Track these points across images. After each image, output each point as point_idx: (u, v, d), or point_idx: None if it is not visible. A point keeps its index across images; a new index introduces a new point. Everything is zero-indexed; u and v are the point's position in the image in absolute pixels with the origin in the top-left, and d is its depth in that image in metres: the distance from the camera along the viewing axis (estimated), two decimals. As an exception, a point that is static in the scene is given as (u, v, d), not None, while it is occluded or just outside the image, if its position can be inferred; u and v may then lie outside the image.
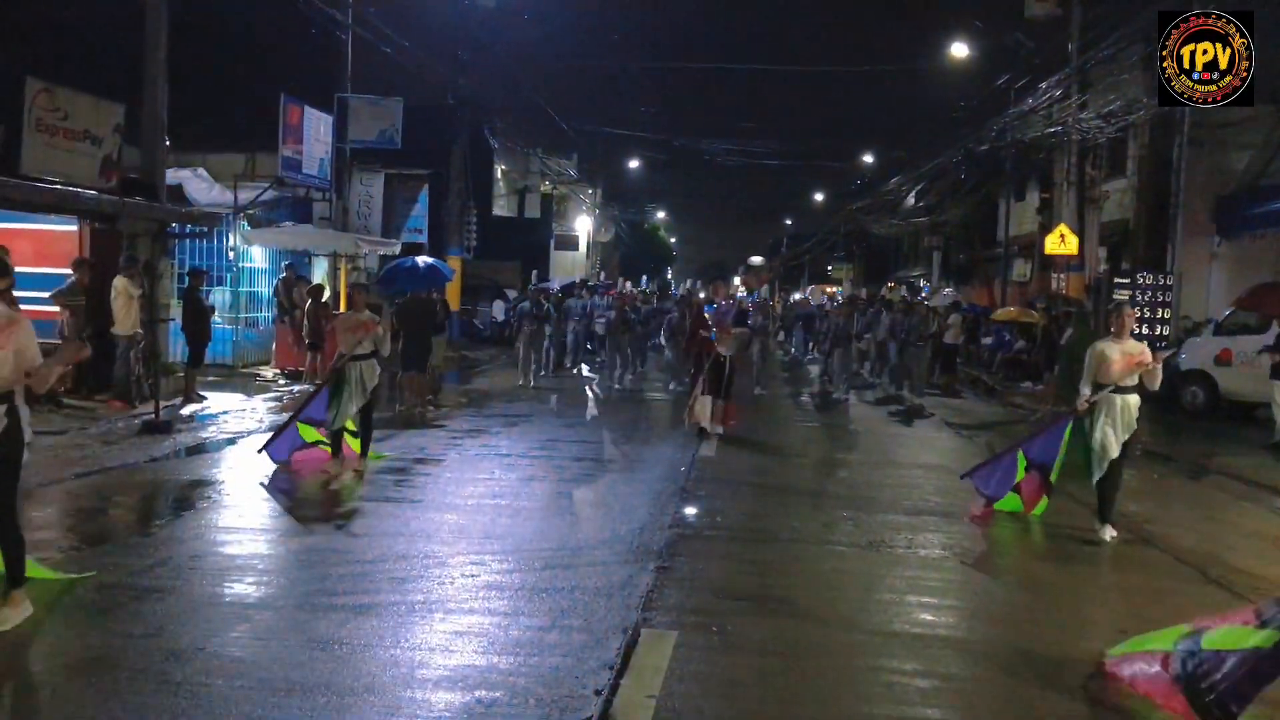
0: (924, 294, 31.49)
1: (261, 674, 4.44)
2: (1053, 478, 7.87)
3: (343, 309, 16.61)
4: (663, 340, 21.17)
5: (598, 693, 4.33)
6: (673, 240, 79.69)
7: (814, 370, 21.97)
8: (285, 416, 10.84)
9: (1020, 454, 7.98)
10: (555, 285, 24.22)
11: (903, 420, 14.75)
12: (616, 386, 17.77)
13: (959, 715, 4.39)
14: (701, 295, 17.24)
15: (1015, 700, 4.64)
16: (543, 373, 18.15)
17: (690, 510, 8.12)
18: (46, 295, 12.48)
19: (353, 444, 9.27)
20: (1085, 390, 7.54)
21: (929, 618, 5.69)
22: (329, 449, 9.11)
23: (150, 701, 4.13)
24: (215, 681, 4.36)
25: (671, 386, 17.41)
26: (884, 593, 6.10)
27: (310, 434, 9.21)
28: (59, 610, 5.29)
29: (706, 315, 12.16)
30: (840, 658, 5.03)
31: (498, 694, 4.30)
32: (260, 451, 9.18)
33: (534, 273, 20.70)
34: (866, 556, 6.97)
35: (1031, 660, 5.11)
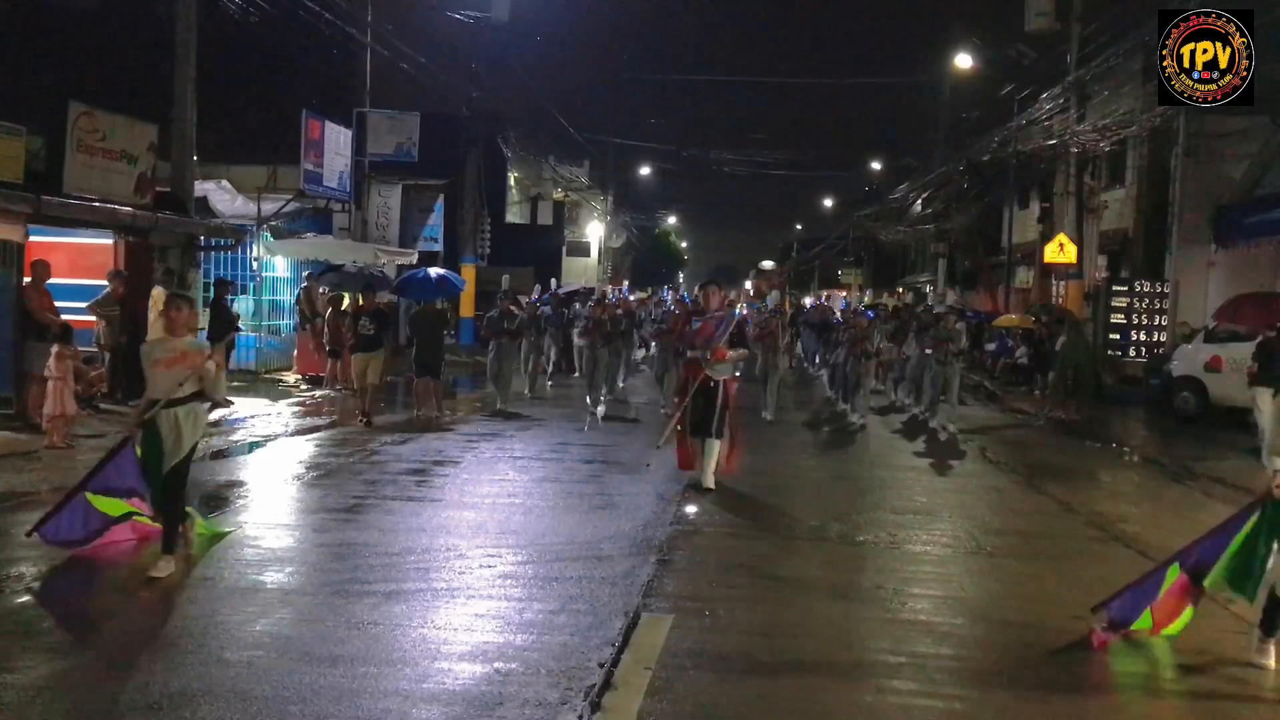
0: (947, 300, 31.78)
1: (306, 649, 5.05)
2: (1208, 581, 5.52)
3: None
4: (639, 357, 20.34)
5: (601, 665, 4.92)
6: (684, 245, 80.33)
7: (827, 385, 21.32)
8: (320, 420, 10.75)
9: (1175, 565, 5.67)
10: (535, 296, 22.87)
11: (903, 426, 15.25)
12: (593, 411, 14.91)
13: (919, 686, 4.95)
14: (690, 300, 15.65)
15: (974, 670, 5.20)
16: (526, 391, 16.95)
17: (691, 509, 8.69)
18: (84, 305, 13.20)
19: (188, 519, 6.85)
20: (1275, 462, 5.14)
21: (902, 603, 6.25)
22: (145, 520, 6.82)
23: (209, 671, 4.73)
24: (267, 655, 4.97)
25: (663, 412, 14.37)
26: (864, 581, 6.67)
27: (115, 507, 6.68)
28: (123, 595, 6.00)
29: (694, 328, 9.50)
30: (819, 637, 5.61)
31: (514, 665, 4.90)
32: (30, 534, 6.55)
33: (505, 277, 18.78)
34: (852, 549, 7.55)
35: (994, 639, 5.69)
